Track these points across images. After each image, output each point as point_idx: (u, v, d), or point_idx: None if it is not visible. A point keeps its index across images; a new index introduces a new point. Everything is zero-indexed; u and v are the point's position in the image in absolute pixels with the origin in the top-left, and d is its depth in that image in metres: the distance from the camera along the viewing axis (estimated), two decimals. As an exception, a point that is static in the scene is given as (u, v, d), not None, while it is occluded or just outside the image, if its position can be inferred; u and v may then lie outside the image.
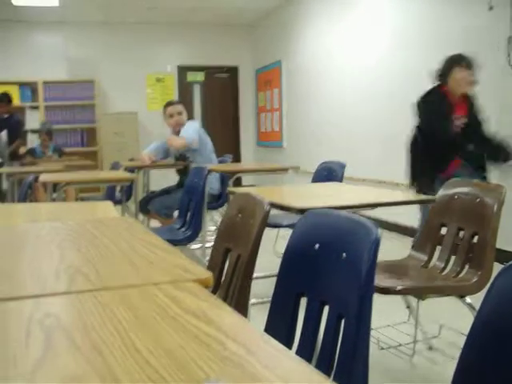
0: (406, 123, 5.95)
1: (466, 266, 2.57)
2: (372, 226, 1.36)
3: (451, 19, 5.30)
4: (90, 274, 1.15)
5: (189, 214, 3.87)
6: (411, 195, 2.76)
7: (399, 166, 6.07)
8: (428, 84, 5.53)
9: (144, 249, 1.38)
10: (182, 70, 10.48)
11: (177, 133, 5.29)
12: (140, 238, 1.53)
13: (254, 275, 3.72)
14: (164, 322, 0.83)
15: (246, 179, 9.29)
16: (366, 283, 1.32)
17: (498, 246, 2.53)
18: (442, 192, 2.73)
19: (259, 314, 1.71)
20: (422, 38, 5.76)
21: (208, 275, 1.06)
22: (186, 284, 1.01)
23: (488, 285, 1.06)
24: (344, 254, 1.42)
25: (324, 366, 1.49)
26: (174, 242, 3.72)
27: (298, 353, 1.61)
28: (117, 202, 4.98)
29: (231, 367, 0.68)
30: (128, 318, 0.86)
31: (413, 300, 2.90)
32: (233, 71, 10.88)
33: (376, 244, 1.33)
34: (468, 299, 2.41)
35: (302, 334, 1.59)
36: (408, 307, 3.02)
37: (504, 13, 4.53)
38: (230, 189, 3.10)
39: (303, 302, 1.60)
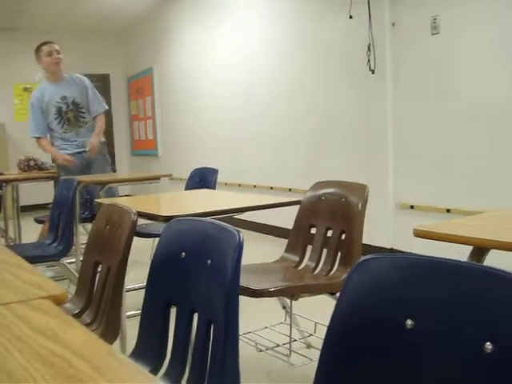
0: (287, 125, 6.10)
1: (336, 264, 2.66)
2: (235, 231, 1.37)
3: (316, 27, 5.49)
4: None
5: (60, 228, 3.73)
6: (280, 199, 2.82)
7: (285, 171, 6.19)
8: (299, 86, 5.71)
9: (-2, 267, 1.31)
10: (51, 79, 10.11)
11: (53, 73, 5.06)
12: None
13: (132, 286, 3.67)
14: (9, 342, 0.79)
15: (123, 189, 9.12)
16: (231, 287, 1.33)
17: (364, 241, 2.65)
18: (309, 193, 2.81)
19: (138, 326, 1.68)
20: (289, 45, 5.93)
21: (61, 291, 1.02)
22: (38, 302, 0.97)
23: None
24: (209, 261, 1.42)
25: (197, 374, 1.49)
26: (46, 258, 3.58)
27: (171, 363, 1.59)
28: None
29: (74, 385, 0.65)
30: (-29, 342, 0.81)
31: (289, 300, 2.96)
32: (104, 79, 10.64)
33: (239, 248, 1.34)
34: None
35: (173, 343, 1.58)
36: (284, 308, 3.07)
37: (363, 21, 4.75)
38: (98, 200, 3.02)
39: (174, 310, 1.59)
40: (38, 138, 5.08)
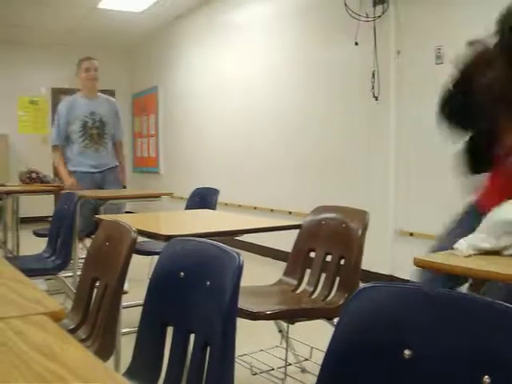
0: (289, 148, 6.12)
1: (334, 289, 2.65)
2: (235, 254, 1.37)
3: (322, 52, 5.52)
4: None
5: (59, 242, 3.73)
6: (280, 221, 2.82)
7: (286, 194, 6.19)
8: (301, 110, 5.73)
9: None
10: (57, 93, 10.13)
11: (88, 89, 5.16)
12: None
13: (129, 304, 3.65)
14: (7, 358, 0.79)
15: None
16: (229, 309, 1.32)
17: (363, 267, 2.64)
18: (309, 217, 2.81)
19: (133, 343, 1.67)
20: (294, 69, 5.96)
21: (60, 308, 1.02)
22: (36, 318, 0.96)
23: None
24: (208, 282, 1.42)
25: (191, 396, 1.47)
26: (44, 272, 3.56)
27: (165, 383, 1.58)
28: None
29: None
30: (-32, 357, 0.81)
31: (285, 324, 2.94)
32: (109, 95, 10.64)
33: (239, 271, 1.34)
34: (336, 321, 2.47)
35: (168, 363, 1.57)
36: (280, 331, 3.05)
37: (368, 48, 4.78)
38: (98, 216, 3.02)
39: (170, 330, 1.58)
40: (55, 146, 5.16)
